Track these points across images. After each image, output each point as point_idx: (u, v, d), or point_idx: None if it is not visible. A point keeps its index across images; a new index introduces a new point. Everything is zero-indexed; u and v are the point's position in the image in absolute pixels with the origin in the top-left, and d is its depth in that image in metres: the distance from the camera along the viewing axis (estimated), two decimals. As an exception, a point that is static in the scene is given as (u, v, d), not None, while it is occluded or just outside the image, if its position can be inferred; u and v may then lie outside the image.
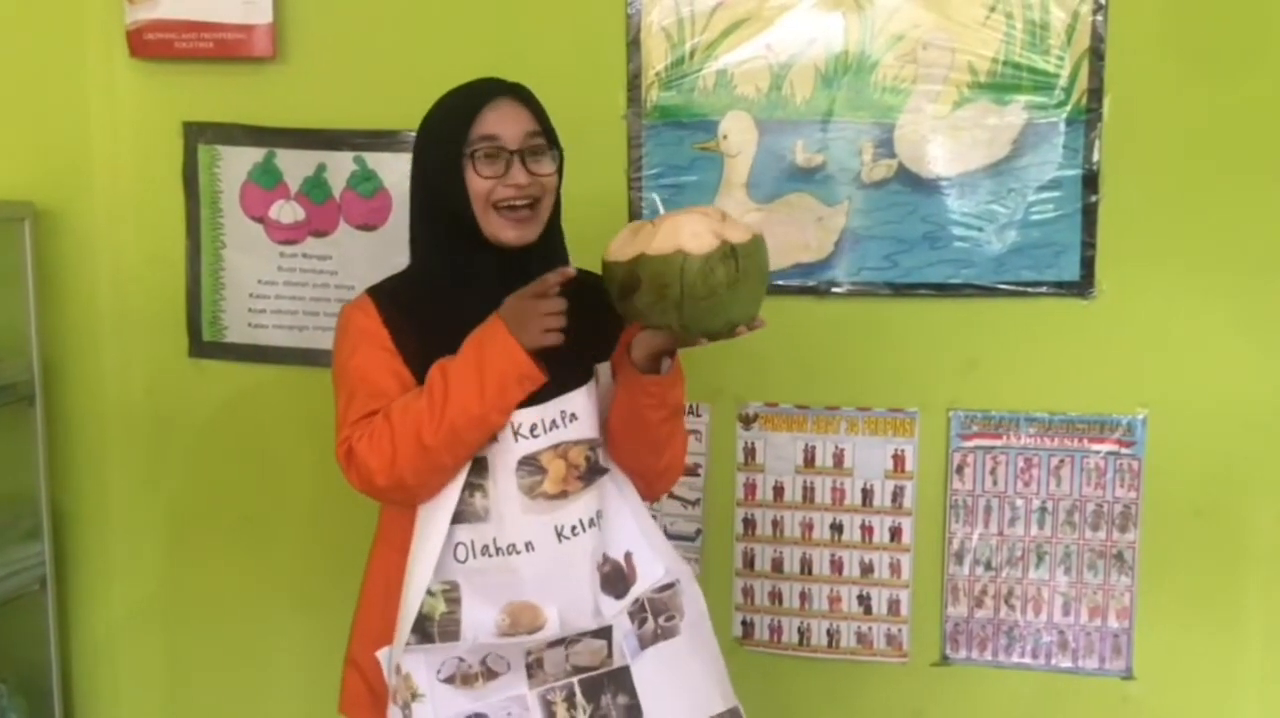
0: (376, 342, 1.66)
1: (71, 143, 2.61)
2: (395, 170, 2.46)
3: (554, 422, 1.64)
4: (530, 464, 1.63)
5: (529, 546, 1.64)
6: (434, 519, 1.63)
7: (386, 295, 1.72)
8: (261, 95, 2.52)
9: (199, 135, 2.55)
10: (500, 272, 1.67)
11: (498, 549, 1.63)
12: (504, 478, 1.63)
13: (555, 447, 1.64)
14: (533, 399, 1.62)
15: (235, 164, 2.55)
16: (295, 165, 2.52)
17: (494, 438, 1.62)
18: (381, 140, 2.46)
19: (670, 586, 1.79)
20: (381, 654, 1.67)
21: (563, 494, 1.65)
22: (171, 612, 2.72)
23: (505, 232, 1.66)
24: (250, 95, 2.52)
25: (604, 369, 1.72)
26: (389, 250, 2.42)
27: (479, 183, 1.64)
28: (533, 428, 1.63)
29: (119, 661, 2.75)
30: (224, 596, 2.68)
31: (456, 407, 1.56)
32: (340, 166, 2.50)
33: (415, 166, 1.73)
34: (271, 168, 2.53)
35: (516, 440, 1.63)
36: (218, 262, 2.58)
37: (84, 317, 2.66)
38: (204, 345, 2.62)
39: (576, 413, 1.66)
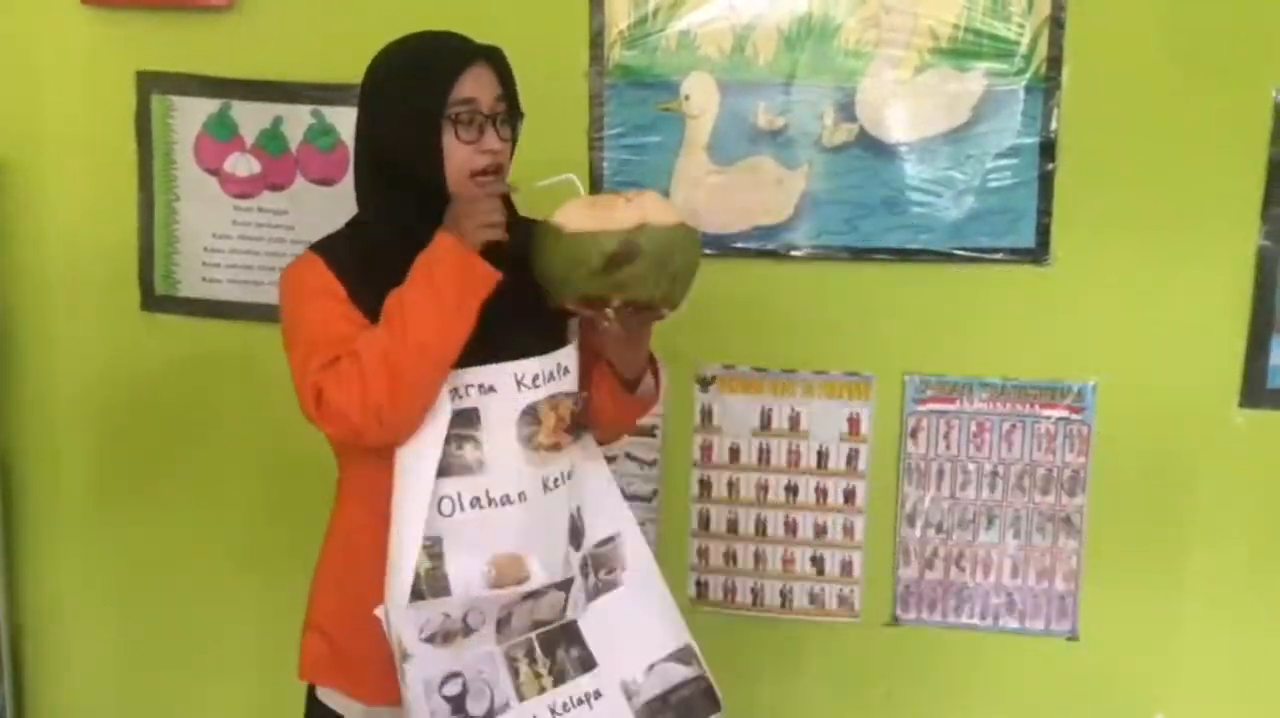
0: (333, 296, 1.63)
1: (21, 92, 2.56)
2: (353, 124, 2.41)
3: (552, 373, 1.66)
4: (530, 414, 1.64)
5: (521, 496, 1.64)
6: (417, 474, 1.61)
7: (336, 253, 1.68)
8: (217, 45, 2.47)
9: (153, 85, 2.51)
10: None
11: (490, 501, 1.63)
12: (502, 428, 1.63)
13: (551, 398, 1.66)
14: (535, 352, 1.64)
15: (189, 115, 2.50)
16: (251, 117, 2.48)
17: (492, 388, 1.62)
18: (340, 94, 2.41)
19: (610, 539, 1.81)
20: (380, 612, 1.63)
21: (555, 447, 1.67)
22: (122, 569, 2.70)
23: None
24: (205, 45, 2.47)
25: (573, 324, 1.75)
26: (347, 205, 2.37)
27: (459, 149, 1.62)
28: (534, 378, 1.64)
29: (69, 617, 2.73)
30: (176, 553, 2.66)
31: (417, 321, 1.54)
32: (297, 119, 2.46)
33: (371, 123, 1.69)
34: (227, 120, 2.49)
35: (520, 390, 1.63)
36: (171, 214, 2.55)
37: (34, 269, 2.61)
38: (156, 299, 2.58)
39: (569, 367, 1.69)
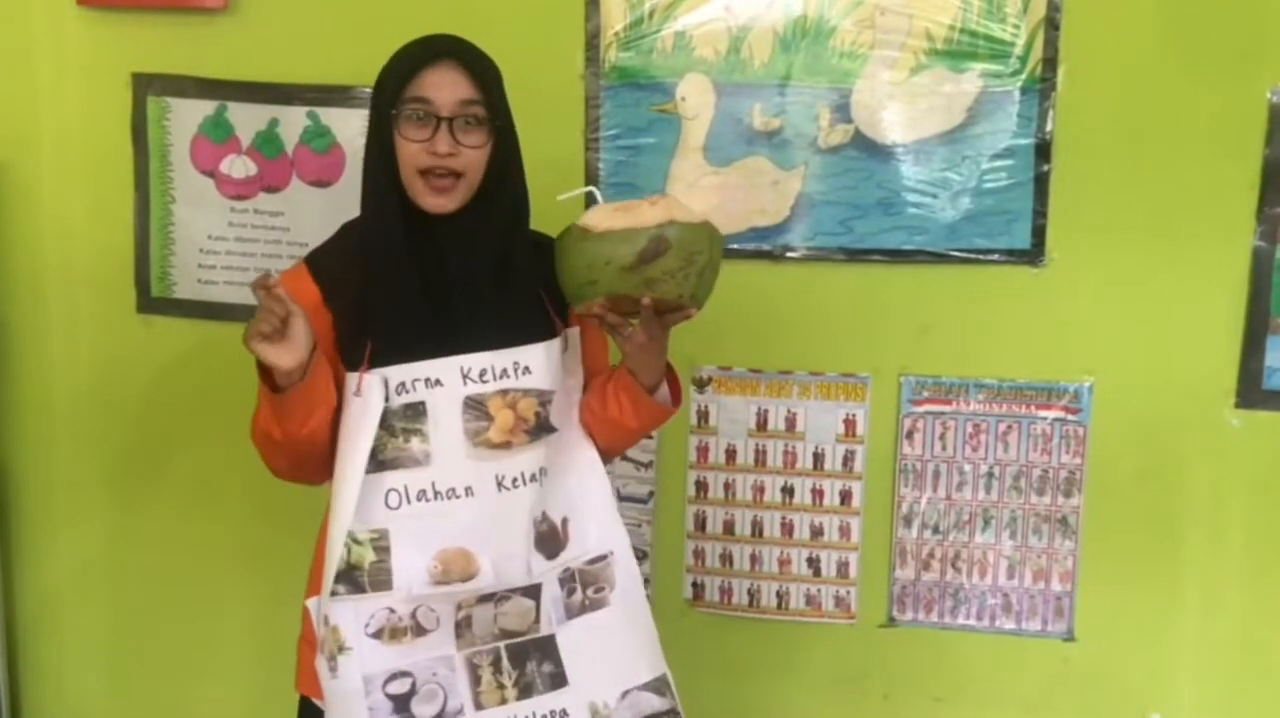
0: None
1: (17, 93, 2.56)
2: (349, 126, 2.43)
3: (505, 370, 1.65)
4: (477, 408, 1.64)
5: (469, 491, 1.64)
6: (347, 462, 1.62)
7: (323, 261, 1.70)
8: (213, 47, 2.47)
9: (148, 87, 2.51)
10: (411, 238, 1.65)
11: (436, 494, 1.64)
12: (447, 421, 1.63)
13: (504, 394, 1.65)
14: (484, 345, 1.64)
15: (185, 117, 2.50)
16: (247, 119, 2.48)
17: (438, 382, 1.63)
18: (335, 95, 2.42)
19: (603, 557, 1.78)
20: (310, 604, 1.66)
21: (506, 445, 1.66)
22: (118, 568, 2.69)
23: (424, 198, 1.64)
24: (201, 47, 2.48)
25: (573, 335, 1.75)
26: (342, 207, 2.36)
27: (405, 146, 1.62)
28: (482, 373, 1.64)
29: (64, 616, 2.73)
30: (170, 554, 2.66)
31: (263, 421, 1.63)
32: (293, 121, 2.46)
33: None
34: (222, 121, 2.49)
35: (465, 384, 1.63)
36: (167, 216, 2.55)
37: (30, 271, 2.61)
38: (152, 301, 2.58)
39: (531, 367, 1.66)
